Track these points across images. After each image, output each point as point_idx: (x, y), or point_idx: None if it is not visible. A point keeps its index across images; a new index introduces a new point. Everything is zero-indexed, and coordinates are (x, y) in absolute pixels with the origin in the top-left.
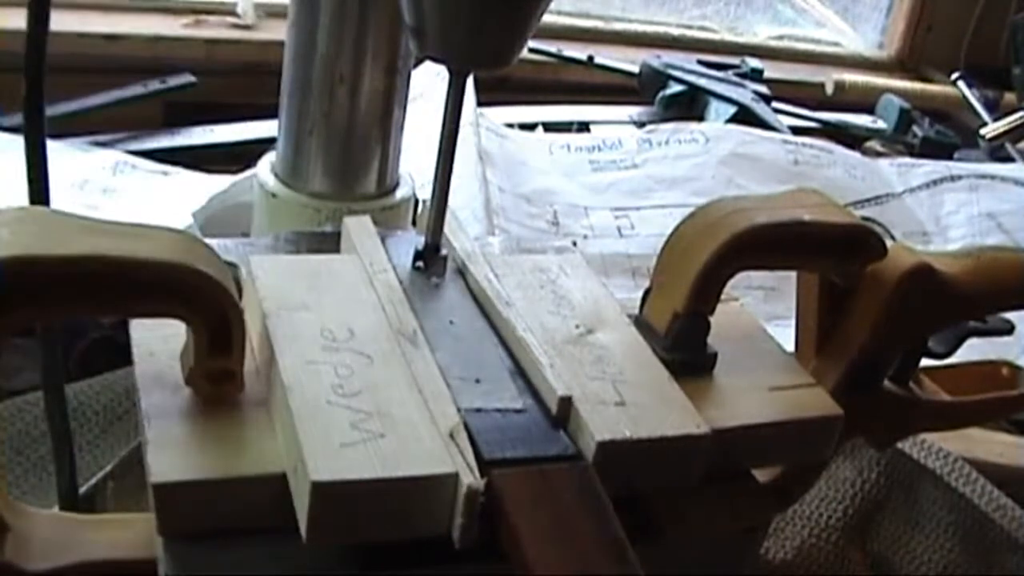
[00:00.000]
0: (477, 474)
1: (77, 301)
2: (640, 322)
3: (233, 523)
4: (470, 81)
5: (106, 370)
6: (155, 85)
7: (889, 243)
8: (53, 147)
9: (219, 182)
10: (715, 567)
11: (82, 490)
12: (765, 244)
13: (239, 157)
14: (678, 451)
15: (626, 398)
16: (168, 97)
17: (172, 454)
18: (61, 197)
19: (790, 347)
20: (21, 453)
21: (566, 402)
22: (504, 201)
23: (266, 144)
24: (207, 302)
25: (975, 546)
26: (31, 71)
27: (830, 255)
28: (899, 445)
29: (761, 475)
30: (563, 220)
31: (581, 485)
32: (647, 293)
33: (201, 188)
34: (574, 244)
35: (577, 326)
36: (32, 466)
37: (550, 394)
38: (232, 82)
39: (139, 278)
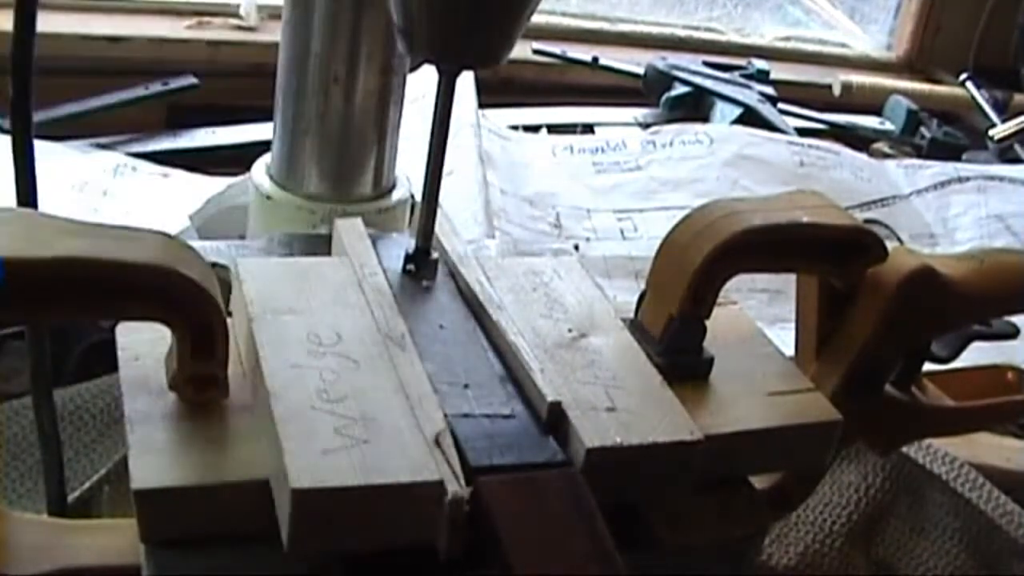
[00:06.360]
0: (463, 481)
1: (57, 303)
2: (635, 326)
3: (217, 529)
4: (472, 83)
5: (105, 373)
6: (158, 87)
7: (890, 245)
8: (54, 149)
9: (219, 184)
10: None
11: (77, 494)
12: (762, 246)
13: (242, 159)
14: (670, 458)
15: (618, 404)
16: (171, 99)
17: (154, 460)
18: (61, 199)
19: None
20: (17, 458)
21: (556, 408)
22: (506, 203)
23: (269, 146)
24: (189, 306)
25: (981, 552)
26: (18, 72)
27: (829, 258)
28: (905, 450)
29: (759, 482)
30: (565, 222)
31: (569, 492)
32: (642, 296)
33: (201, 191)
34: (576, 248)
35: (570, 330)
36: (28, 470)
37: (540, 400)
38: (235, 84)
39: (120, 281)
